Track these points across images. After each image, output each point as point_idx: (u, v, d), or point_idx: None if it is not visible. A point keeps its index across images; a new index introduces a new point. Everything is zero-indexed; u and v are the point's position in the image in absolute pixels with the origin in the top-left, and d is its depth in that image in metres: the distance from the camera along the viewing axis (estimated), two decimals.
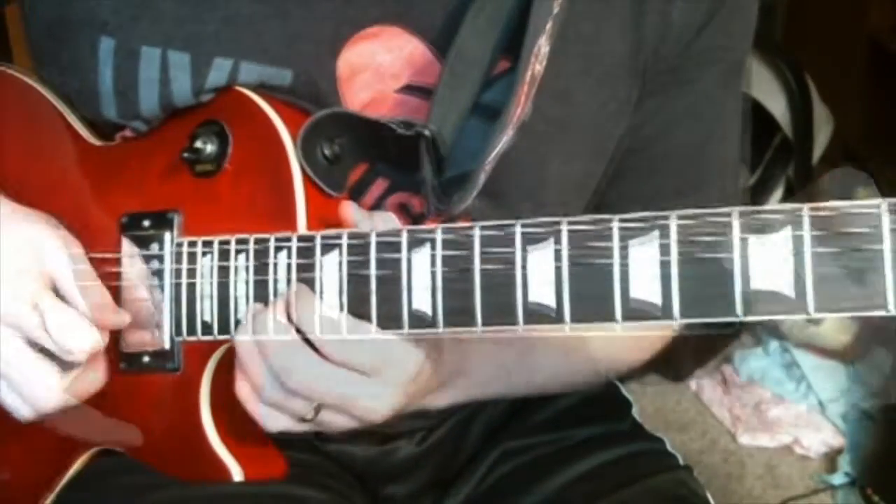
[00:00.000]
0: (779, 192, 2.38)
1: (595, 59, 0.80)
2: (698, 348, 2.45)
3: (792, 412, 2.35)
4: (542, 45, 0.73)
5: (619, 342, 0.91)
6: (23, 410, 0.76)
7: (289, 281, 0.71)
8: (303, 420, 0.71)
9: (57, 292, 0.76)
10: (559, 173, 0.82)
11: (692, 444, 2.29)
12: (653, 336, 0.93)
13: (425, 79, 0.77)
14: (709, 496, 0.92)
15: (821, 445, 2.25)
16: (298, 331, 0.69)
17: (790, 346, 2.48)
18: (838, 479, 2.14)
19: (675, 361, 2.44)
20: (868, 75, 2.59)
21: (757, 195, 2.39)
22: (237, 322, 0.73)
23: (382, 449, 0.96)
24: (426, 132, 0.71)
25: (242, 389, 0.72)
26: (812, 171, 2.38)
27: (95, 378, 0.78)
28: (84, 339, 0.74)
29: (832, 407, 2.32)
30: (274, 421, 0.72)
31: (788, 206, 0.55)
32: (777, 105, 2.30)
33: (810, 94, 2.34)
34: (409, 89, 0.79)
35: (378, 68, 0.78)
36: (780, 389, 2.42)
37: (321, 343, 0.67)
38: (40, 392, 0.75)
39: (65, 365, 0.76)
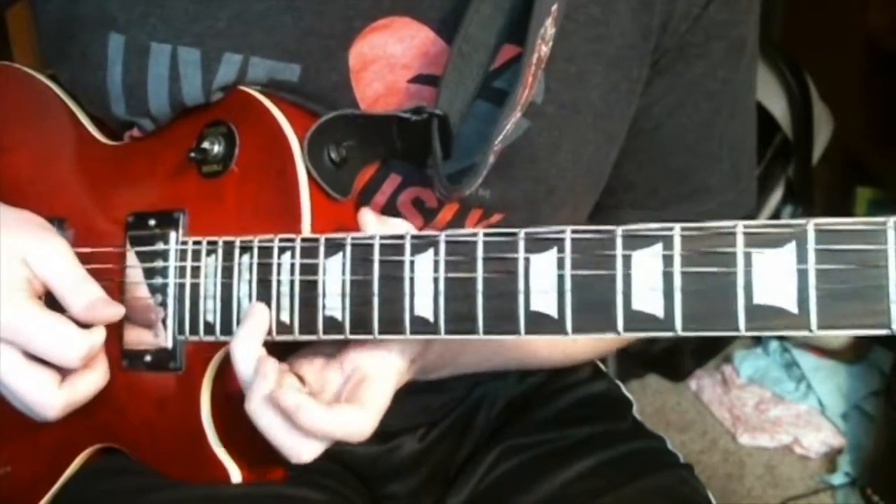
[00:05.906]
0: (779, 192, 2.37)
1: (606, 41, 0.80)
2: (698, 348, 2.45)
3: (792, 412, 2.35)
4: (549, 27, 0.73)
5: None
6: (33, 416, 0.77)
7: (292, 283, 0.71)
8: None
9: (50, 296, 0.76)
10: (572, 157, 0.82)
11: (692, 444, 2.29)
12: None
13: (437, 68, 0.77)
14: (710, 495, 0.92)
15: (821, 445, 2.25)
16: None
17: (790, 346, 2.48)
18: (838, 479, 2.14)
19: (675, 361, 2.45)
20: (868, 75, 2.58)
21: (757, 195, 2.39)
22: (239, 322, 0.73)
23: (385, 447, 0.96)
24: (437, 112, 0.71)
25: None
26: (812, 171, 2.38)
27: (95, 379, 0.78)
28: (72, 349, 0.74)
29: (832, 407, 2.33)
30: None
31: (794, 220, 0.55)
32: (777, 105, 2.30)
33: (810, 94, 2.33)
34: (420, 79, 0.78)
35: (389, 59, 0.77)
36: (780, 389, 2.42)
37: (296, 412, 0.67)
38: (39, 403, 0.75)
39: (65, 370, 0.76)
